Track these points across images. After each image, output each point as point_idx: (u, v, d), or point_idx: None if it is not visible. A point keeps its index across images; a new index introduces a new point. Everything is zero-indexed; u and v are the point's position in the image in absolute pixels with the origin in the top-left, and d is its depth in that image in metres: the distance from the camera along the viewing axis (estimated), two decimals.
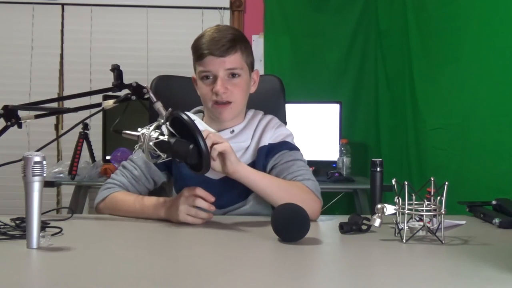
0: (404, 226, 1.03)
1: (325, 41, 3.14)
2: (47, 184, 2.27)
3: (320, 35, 3.14)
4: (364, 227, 1.12)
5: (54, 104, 1.28)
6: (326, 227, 1.24)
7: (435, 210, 1.03)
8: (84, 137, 2.51)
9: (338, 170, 2.66)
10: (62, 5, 3.11)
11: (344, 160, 2.70)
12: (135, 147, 1.15)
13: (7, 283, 0.73)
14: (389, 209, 1.05)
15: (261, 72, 1.71)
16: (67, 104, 1.33)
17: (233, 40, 1.32)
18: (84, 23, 3.11)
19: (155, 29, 3.15)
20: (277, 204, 1.11)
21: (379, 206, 1.06)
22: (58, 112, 2.02)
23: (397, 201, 1.03)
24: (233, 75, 1.34)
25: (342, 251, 1.01)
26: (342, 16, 3.15)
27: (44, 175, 0.93)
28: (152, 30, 3.14)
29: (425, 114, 2.45)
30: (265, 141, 1.40)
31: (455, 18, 2.17)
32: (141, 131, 1.12)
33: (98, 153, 2.62)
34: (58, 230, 1.06)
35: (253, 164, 1.36)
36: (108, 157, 2.53)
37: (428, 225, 1.05)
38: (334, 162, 2.75)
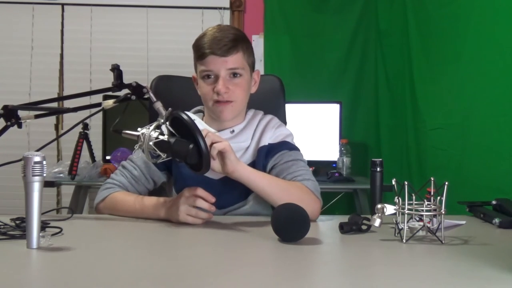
0: (404, 226, 1.03)
1: (325, 41, 3.14)
2: (47, 184, 2.27)
3: (320, 35, 3.14)
4: (364, 227, 1.12)
5: (54, 104, 1.28)
6: (326, 227, 1.24)
7: (435, 210, 1.03)
8: (84, 137, 2.51)
9: (338, 170, 2.66)
10: (62, 5, 3.11)
11: (344, 160, 2.70)
12: (135, 147, 1.15)
13: (7, 283, 0.73)
14: (389, 209, 1.05)
15: (261, 72, 1.70)
16: (67, 104, 1.33)
17: (235, 40, 1.32)
18: (84, 23, 3.11)
19: (155, 29, 3.15)
20: (277, 204, 1.11)
21: (379, 206, 1.06)
22: (58, 112, 2.02)
23: (397, 201, 1.03)
24: (235, 74, 1.34)
25: (342, 251, 1.01)
26: (342, 16, 3.14)
27: (44, 175, 0.93)
28: (152, 30, 3.14)
29: (425, 114, 2.45)
30: (265, 141, 1.40)
31: (455, 18, 2.17)
32: (141, 131, 1.12)
33: (98, 153, 2.62)
34: (58, 230, 1.06)
35: (253, 164, 1.36)
36: (108, 157, 2.53)
37: (428, 225, 1.05)
38: (334, 162, 2.74)
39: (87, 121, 2.26)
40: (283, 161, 1.35)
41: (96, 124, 2.59)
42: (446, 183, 1.00)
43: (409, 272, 0.83)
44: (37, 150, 1.01)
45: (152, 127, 1.12)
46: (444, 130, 2.25)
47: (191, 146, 1.09)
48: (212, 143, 1.16)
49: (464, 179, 2.01)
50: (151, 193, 1.41)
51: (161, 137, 1.10)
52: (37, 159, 0.92)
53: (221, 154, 1.18)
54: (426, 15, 2.48)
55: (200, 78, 1.36)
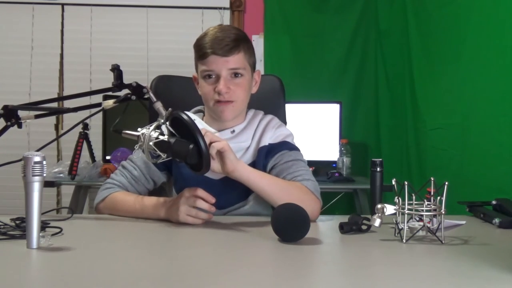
0: (404, 226, 1.03)
1: (325, 41, 3.14)
2: (47, 184, 2.27)
3: (320, 35, 3.14)
4: (364, 227, 1.12)
5: (54, 104, 1.28)
6: (326, 227, 1.24)
7: (435, 210, 1.03)
8: (84, 137, 2.51)
9: (338, 170, 2.66)
10: (62, 5, 3.11)
11: (344, 160, 2.70)
12: (135, 147, 1.15)
13: (7, 283, 0.73)
14: (389, 209, 1.05)
15: (261, 72, 1.70)
16: (67, 104, 1.33)
17: (237, 40, 1.32)
18: (84, 23, 3.11)
19: (155, 29, 3.15)
20: (276, 204, 1.11)
21: (379, 206, 1.06)
22: (58, 112, 2.02)
23: (397, 201, 1.03)
24: (236, 74, 1.34)
25: (342, 251, 1.01)
26: (342, 16, 3.15)
27: (44, 175, 0.93)
28: (152, 30, 3.14)
29: (425, 114, 2.45)
30: (265, 141, 1.39)
31: (455, 18, 2.17)
32: (141, 131, 1.12)
33: (98, 153, 2.62)
34: (58, 230, 1.06)
35: (253, 164, 1.35)
36: (108, 157, 2.53)
37: (428, 225, 1.05)
38: (334, 162, 2.74)
39: (87, 121, 2.26)
40: (283, 161, 1.35)
41: (96, 124, 2.59)
42: (446, 183, 1.00)
43: (409, 272, 0.83)
44: (37, 150, 1.01)
45: (152, 127, 1.12)
46: (444, 130, 2.25)
47: (191, 146, 1.09)
48: (210, 143, 1.16)
49: (464, 179, 2.01)
50: (151, 193, 1.41)
51: (161, 137, 1.10)
52: (37, 159, 0.92)
53: (220, 154, 1.18)
54: (426, 15, 2.48)
55: (201, 78, 1.36)
